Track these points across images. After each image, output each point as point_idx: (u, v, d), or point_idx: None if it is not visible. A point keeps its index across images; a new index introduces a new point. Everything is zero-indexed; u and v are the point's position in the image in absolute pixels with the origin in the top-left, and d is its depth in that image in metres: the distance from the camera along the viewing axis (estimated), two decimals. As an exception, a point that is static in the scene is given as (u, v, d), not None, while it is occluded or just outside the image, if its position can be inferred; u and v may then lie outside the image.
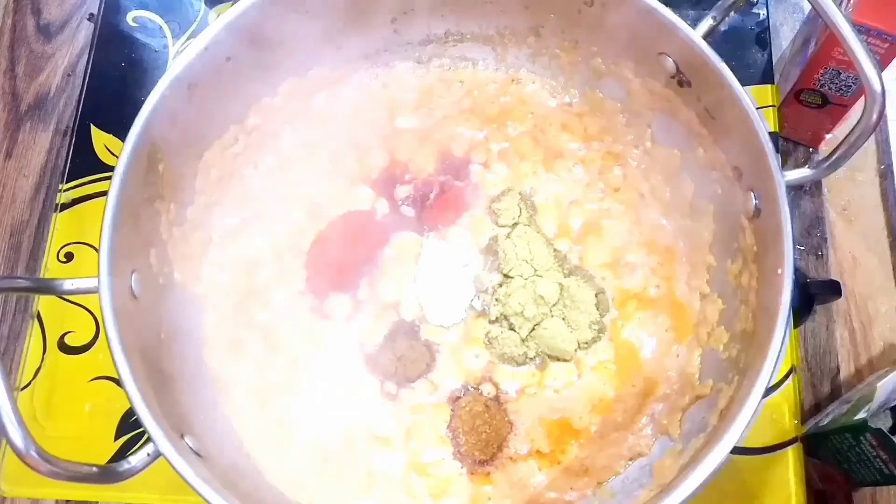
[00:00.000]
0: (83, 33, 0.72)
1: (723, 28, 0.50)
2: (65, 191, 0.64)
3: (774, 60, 0.65)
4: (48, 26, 0.72)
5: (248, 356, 0.56)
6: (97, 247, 0.45)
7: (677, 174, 0.57)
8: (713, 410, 0.48)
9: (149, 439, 0.42)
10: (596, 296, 0.56)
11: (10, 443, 0.38)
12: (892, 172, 0.62)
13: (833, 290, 0.58)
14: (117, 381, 0.43)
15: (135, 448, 0.56)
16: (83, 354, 0.59)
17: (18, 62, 0.71)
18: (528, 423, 0.54)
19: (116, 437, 0.57)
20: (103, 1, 0.71)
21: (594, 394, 0.54)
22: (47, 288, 0.50)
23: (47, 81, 0.71)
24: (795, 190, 0.61)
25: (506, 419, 0.54)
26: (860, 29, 0.49)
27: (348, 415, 0.54)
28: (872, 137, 0.62)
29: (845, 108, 0.59)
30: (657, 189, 0.58)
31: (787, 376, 0.56)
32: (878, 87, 0.42)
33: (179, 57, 0.51)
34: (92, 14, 0.72)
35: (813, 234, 0.62)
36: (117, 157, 0.48)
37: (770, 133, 0.48)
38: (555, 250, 0.57)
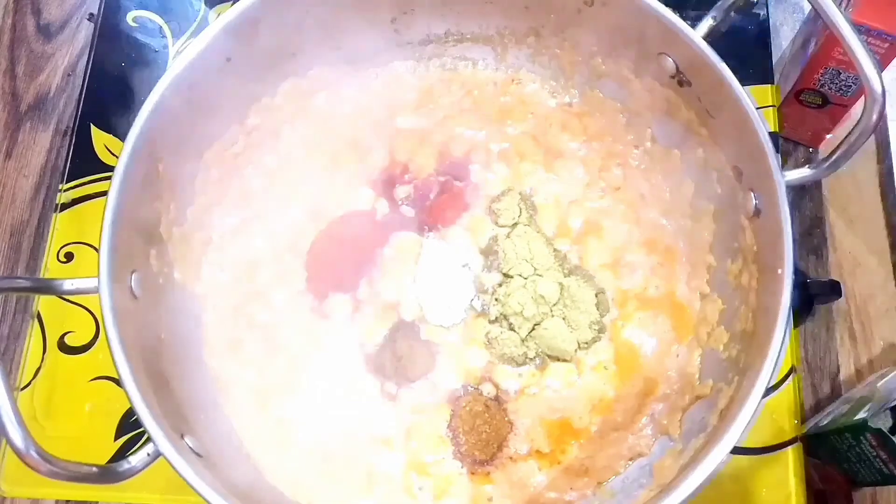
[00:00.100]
0: (83, 33, 0.72)
1: (723, 28, 0.50)
2: (65, 191, 0.64)
3: (774, 60, 0.65)
4: (48, 26, 0.73)
5: (248, 356, 0.56)
6: (97, 247, 0.45)
7: (677, 174, 0.57)
8: (713, 410, 0.48)
9: (149, 439, 0.42)
10: (596, 296, 0.56)
11: (10, 443, 0.38)
12: (893, 172, 0.62)
13: (833, 290, 0.58)
14: (117, 381, 0.43)
15: (135, 448, 0.56)
16: (83, 354, 0.59)
17: (18, 62, 0.71)
18: (528, 423, 0.54)
19: (116, 437, 0.57)
20: (103, 1, 0.71)
21: (594, 394, 0.54)
22: (47, 288, 0.50)
23: (47, 81, 0.71)
24: (795, 190, 0.61)
25: (506, 419, 0.54)
26: (860, 29, 0.49)
27: (348, 415, 0.54)
28: (872, 137, 0.62)
29: (845, 108, 0.59)
30: (657, 189, 0.58)
31: (787, 376, 0.56)
32: (878, 87, 0.42)
33: (179, 57, 0.51)
34: (92, 14, 0.72)
35: (813, 234, 0.62)
36: (117, 157, 0.48)
37: (770, 133, 0.48)
38: (555, 250, 0.57)
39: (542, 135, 0.61)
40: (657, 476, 0.50)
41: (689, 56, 0.50)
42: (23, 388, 0.58)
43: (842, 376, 0.58)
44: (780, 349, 0.43)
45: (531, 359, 0.55)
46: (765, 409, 0.55)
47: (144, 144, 0.49)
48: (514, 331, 0.55)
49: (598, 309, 0.56)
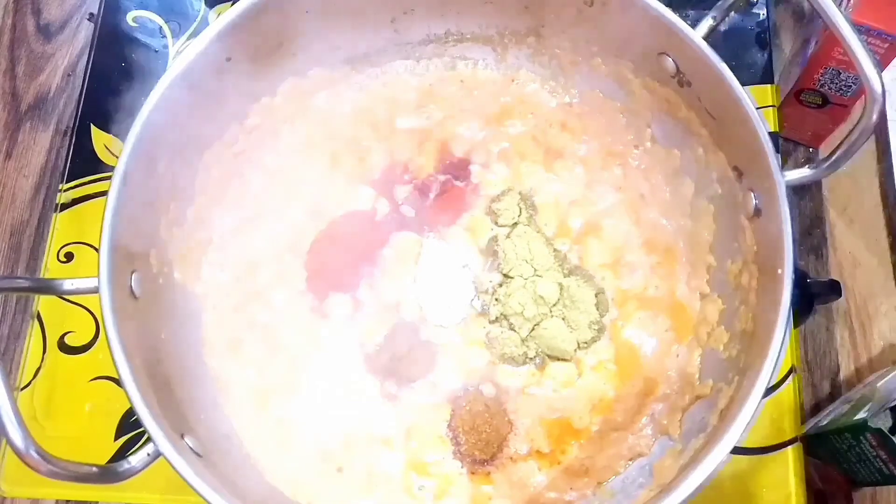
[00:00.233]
0: (83, 33, 0.72)
1: (723, 28, 0.50)
2: (65, 191, 0.64)
3: (774, 60, 0.65)
4: (48, 26, 0.72)
5: (248, 356, 0.56)
6: (97, 247, 0.45)
7: (677, 174, 0.57)
8: (713, 410, 0.48)
9: (149, 439, 0.42)
10: (596, 296, 0.56)
11: (10, 443, 0.38)
12: (893, 172, 0.62)
13: (833, 290, 0.58)
14: (117, 381, 0.43)
15: (135, 448, 0.56)
16: (83, 354, 0.59)
17: (18, 62, 0.71)
18: (528, 422, 0.54)
19: (116, 437, 0.57)
20: (103, 1, 0.71)
21: (594, 394, 0.54)
22: (47, 288, 0.50)
23: (47, 81, 0.71)
24: (795, 190, 0.61)
25: (506, 419, 0.54)
26: (860, 29, 0.49)
27: (348, 415, 0.54)
28: (872, 137, 0.62)
29: (845, 108, 0.59)
30: (657, 189, 0.58)
31: (787, 376, 0.56)
32: (878, 87, 0.42)
33: (179, 57, 0.51)
34: (92, 14, 0.72)
35: (813, 234, 0.62)
36: (117, 157, 0.48)
37: (770, 133, 0.48)
38: (555, 250, 0.57)
39: (542, 135, 0.61)
40: (657, 476, 0.50)
41: (689, 56, 0.50)
42: (23, 388, 0.58)
43: (842, 376, 0.58)
44: (780, 349, 0.43)
45: (531, 359, 0.55)
46: (765, 409, 0.55)
47: (144, 144, 0.49)
48: (515, 331, 0.55)
49: (597, 309, 0.56)
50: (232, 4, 0.52)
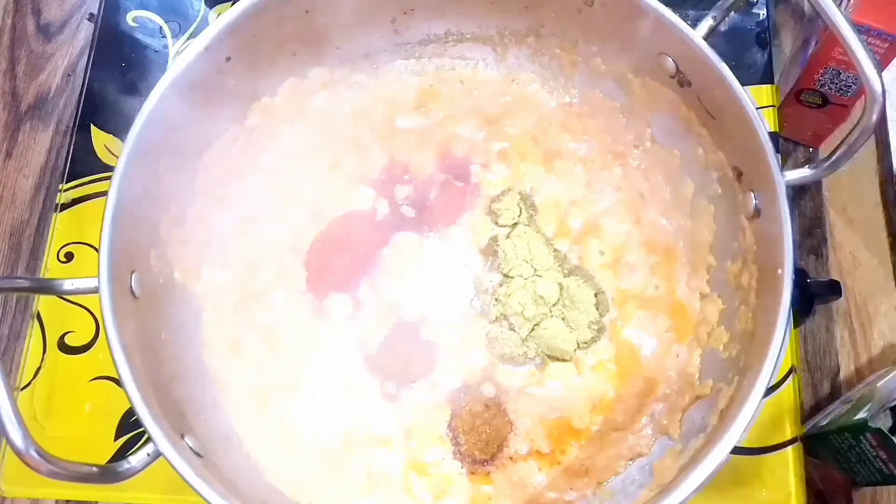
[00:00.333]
0: (83, 33, 0.72)
1: (723, 28, 0.50)
2: (65, 191, 0.64)
3: (774, 60, 0.65)
4: (48, 26, 0.72)
5: (248, 356, 0.56)
6: (97, 247, 0.45)
7: (677, 174, 0.57)
8: (713, 410, 0.48)
9: (149, 439, 0.42)
10: (595, 296, 0.56)
11: (10, 443, 0.38)
12: (893, 172, 0.62)
13: (833, 290, 0.58)
14: (117, 381, 0.43)
15: (135, 448, 0.56)
16: (83, 354, 0.59)
17: (18, 62, 0.71)
18: (528, 422, 0.54)
19: (116, 437, 0.57)
20: (103, 1, 0.71)
21: (594, 394, 0.54)
22: (47, 288, 0.50)
23: (47, 81, 0.71)
24: (795, 190, 0.61)
25: (506, 419, 0.54)
26: (860, 29, 0.49)
27: (348, 415, 0.54)
28: (872, 137, 0.62)
29: (845, 108, 0.59)
30: (657, 189, 0.58)
31: (787, 376, 0.56)
32: (878, 87, 0.42)
33: (179, 57, 0.51)
34: (92, 14, 0.72)
35: (813, 234, 0.62)
36: (117, 157, 0.48)
37: (770, 133, 0.48)
38: (555, 250, 0.57)
39: (542, 135, 0.61)
40: (657, 476, 0.50)
41: (689, 56, 0.50)
42: (23, 388, 0.58)
43: (842, 376, 0.58)
44: (780, 349, 0.43)
45: (531, 359, 0.55)
46: (765, 409, 0.55)
47: (144, 144, 0.49)
48: (514, 331, 0.55)
49: (597, 309, 0.56)
50: (232, 4, 0.52)
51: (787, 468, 0.54)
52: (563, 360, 0.55)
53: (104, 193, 0.48)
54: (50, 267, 0.62)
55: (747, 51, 0.65)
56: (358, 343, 0.56)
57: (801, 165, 0.47)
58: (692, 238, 0.56)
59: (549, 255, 0.57)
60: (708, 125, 0.52)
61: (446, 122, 0.62)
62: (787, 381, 0.56)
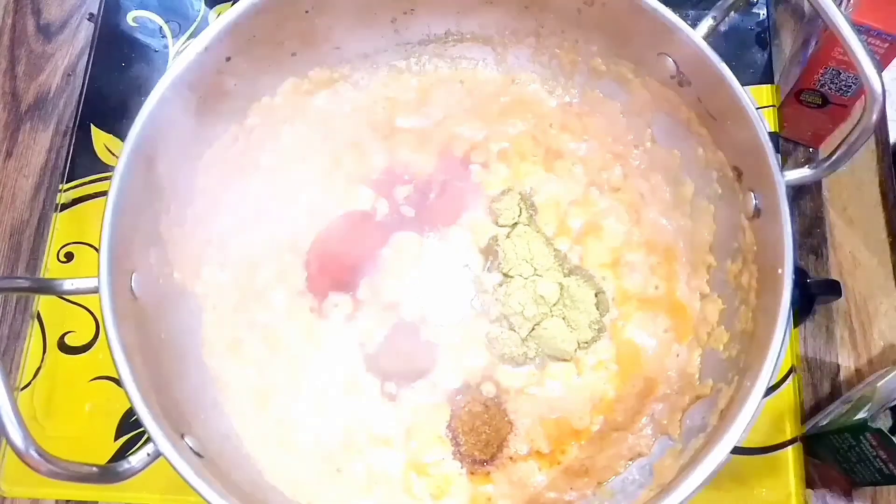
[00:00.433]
0: (83, 33, 0.72)
1: (723, 28, 0.50)
2: (65, 191, 0.64)
3: (774, 60, 0.65)
4: (48, 26, 0.72)
5: (248, 356, 0.56)
6: (97, 247, 0.45)
7: (677, 174, 0.57)
8: (713, 410, 0.48)
9: (149, 439, 0.42)
10: (596, 295, 0.56)
11: (10, 443, 0.38)
12: (892, 172, 0.62)
13: (833, 290, 0.58)
14: (117, 381, 0.43)
15: (135, 448, 0.56)
16: (83, 354, 0.59)
17: (18, 62, 0.71)
18: (528, 423, 0.54)
19: (116, 437, 0.57)
20: (103, 1, 0.71)
21: (594, 394, 0.54)
22: (47, 288, 0.50)
23: (47, 81, 0.71)
24: (795, 190, 0.61)
25: (506, 419, 0.54)
26: (860, 29, 0.49)
27: (348, 415, 0.54)
28: (872, 137, 0.62)
29: (845, 108, 0.59)
30: (657, 189, 0.58)
31: (787, 376, 0.56)
32: (878, 87, 0.42)
33: (179, 57, 0.51)
34: (92, 14, 0.72)
35: (813, 234, 0.62)
36: (117, 157, 0.48)
37: (770, 133, 0.48)
38: (555, 250, 0.57)
39: (542, 135, 0.61)
40: (657, 476, 0.50)
41: (689, 56, 0.50)
42: (23, 388, 0.58)
43: (842, 376, 0.58)
44: (780, 349, 0.43)
45: (531, 358, 0.55)
46: (765, 409, 0.55)
47: (144, 144, 0.49)
48: (514, 331, 0.55)
49: (597, 309, 0.56)
50: (232, 4, 0.52)
51: (787, 468, 0.54)
52: (564, 360, 0.55)
53: (104, 193, 0.48)
54: (50, 267, 0.62)
55: (747, 51, 0.65)
56: (358, 343, 0.56)
57: (801, 165, 0.47)
58: (692, 238, 0.56)
59: (550, 255, 0.57)
60: (708, 125, 0.52)
61: (446, 122, 0.62)
62: (787, 381, 0.56)
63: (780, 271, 0.44)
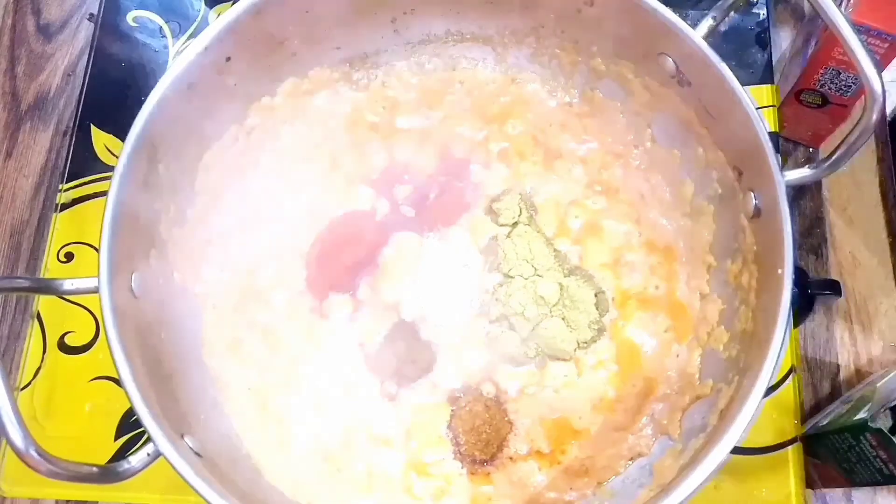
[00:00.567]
0: (83, 33, 0.72)
1: (723, 28, 0.50)
2: (65, 191, 0.64)
3: (774, 60, 0.65)
4: (48, 26, 0.72)
5: (248, 356, 0.56)
6: (97, 247, 0.45)
7: (677, 174, 0.57)
8: (713, 410, 0.48)
9: (149, 439, 0.42)
10: (595, 296, 0.56)
11: (10, 443, 0.38)
12: (892, 172, 0.62)
13: (833, 290, 0.58)
14: (117, 381, 0.43)
15: (135, 448, 0.56)
16: (83, 354, 0.59)
17: (18, 62, 0.71)
18: (528, 422, 0.54)
19: (116, 437, 0.57)
20: (103, 1, 0.71)
21: (594, 394, 0.54)
22: (47, 288, 0.50)
23: (47, 81, 0.71)
24: (795, 190, 0.61)
25: (506, 419, 0.54)
26: (860, 29, 0.49)
27: (348, 415, 0.54)
28: (872, 137, 0.62)
29: (845, 108, 0.59)
30: (657, 189, 0.58)
31: (787, 376, 0.56)
32: (878, 87, 0.42)
33: (179, 57, 0.51)
34: (92, 14, 0.72)
35: (813, 234, 0.62)
36: (117, 157, 0.48)
37: (770, 133, 0.48)
38: (555, 250, 0.57)
39: (542, 135, 0.61)
40: (657, 476, 0.50)
41: (689, 56, 0.50)
42: (23, 388, 0.58)
43: (842, 376, 0.58)
44: (780, 349, 0.43)
45: (531, 358, 0.55)
46: (765, 409, 0.55)
47: (144, 144, 0.49)
48: (515, 331, 0.55)
49: (597, 309, 0.56)
50: (232, 4, 0.52)
51: (787, 468, 0.54)
52: (564, 360, 0.55)
53: (104, 193, 0.48)
54: (50, 267, 0.62)
55: (747, 51, 0.65)
56: (358, 343, 0.56)
57: (801, 165, 0.47)
58: (692, 238, 0.56)
59: (550, 255, 0.57)
60: (708, 125, 0.52)
61: (446, 122, 0.62)
62: (787, 381, 0.56)
63: (780, 271, 0.44)
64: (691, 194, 0.56)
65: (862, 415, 0.48)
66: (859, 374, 0.58)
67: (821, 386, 0.58)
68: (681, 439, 0.51)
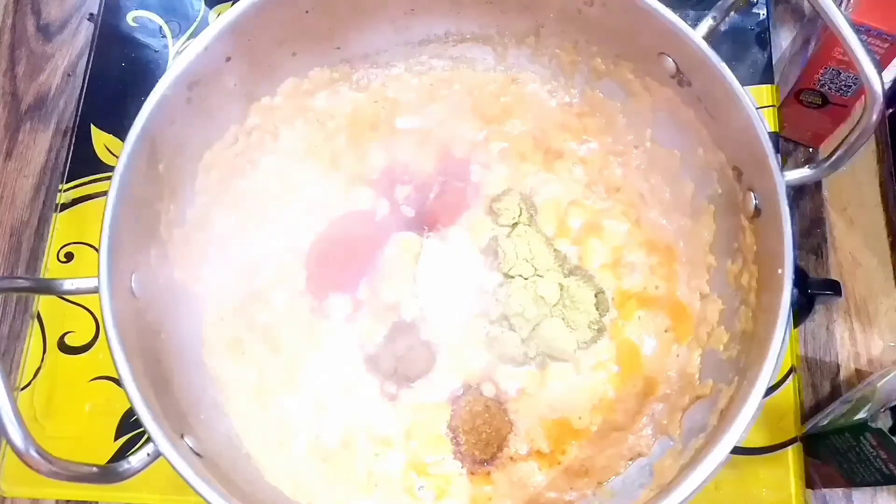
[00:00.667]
0: (83, 33, 0.72)
1: (723, 28, 0.50)
2: (65, 191, 0.64)
3: (774, 60, 0.65)
4: (48, 26, 0.73)
5: (248, 356, 0.56)
6: (97, 247, 0.45)
7: (677, 174, 0.57)
8: (713, 410, 0.48)
9: (149, 439, 0.42)
10: (595, 296, 0.56)
11: (10, 443, 0.38)
12: (892, 172, 0.62)
13: (833, 290, 0.58)
14: (117, 381, 0.43)
15: (135, 448, 0.56)
16: (83, 354, 0.59)
17: (18, 62, 0.71)
18: (528, 423, 0.54)
19: (116, 437, 0.57)
20: (103, 1, 0.71)
21: (594, 394, 0.54)
22: (47, 288, 0.50)
23: (47, 81, 0.71)
24: (795, 190, 0.61)
25: (506, 419, 0.54)
26: (860, 29, 0.49)
27: (348, 415, 0.54)
28: (872, 137, 0.62)
29: (845, 108, 0.59)
30: (657, 189, 0.58)
31: (787, 376, 0.56)
32: (878, 87, 0.42)
33: (179, 57, 0.51)
34: (92, 14, 0.72)
35: (813, 234, 0.62)
36: (117, 157, 0.48)
37: (770, 133, 0.48)
38: (555, 250, 0.57)
39: (542, 135, 0.61)
40: (657, 476, 0.50)
41: (689, 56, 0.50)
42: (23, 388, 0.58)
43: (842, 376, 0.58)
44: (780, 349, 0.43)
45: (531, 358, 0.55)
46: (765, 409, 0.55)
47: (144, 144, 0.49)
48: (515, 331, 0.55)
49: (597, 309, 0.56)
50: (232, 4, 0.52)
51: (787, 468, 0.54)
52: (564, 361, 0.55)
53: (104, 193, 0.48)
54: (50, 267, 0.62)
55: (747, 51, 0.65)
56: (358, 343, 0.56)
57: (801, 165, 0.47)
58: (692, 238, 0.56)
59: (550, 255, 0.57)
60: (708, 125, 0.52)
61: (446, 123, 0.62)
62: (787, 381, 0.56)
63: (780, 271, 0.44)
64: (691, 194, 0.56)
65: (862, 415, 0.48)
66: (859, 374, 0.58)
67: (821, 386, 0.58)
68: (681, 439, 0.51)
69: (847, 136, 0.45)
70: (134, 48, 0.69)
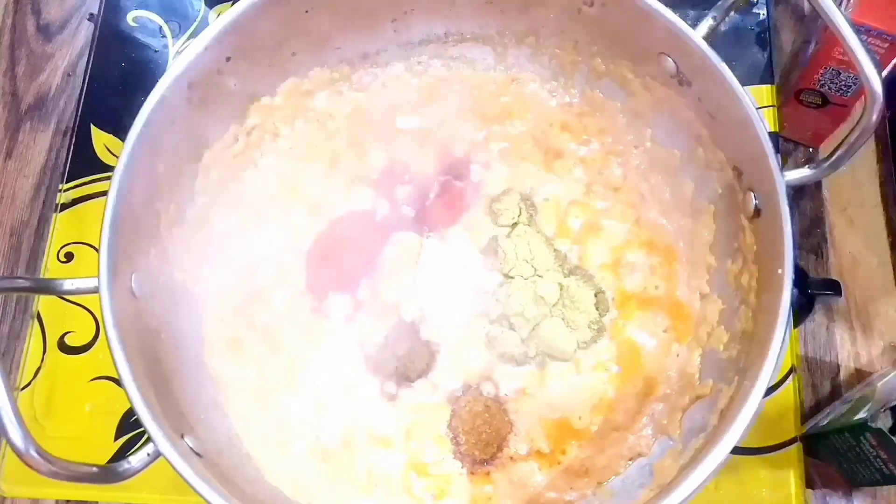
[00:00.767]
0: (83, 33, 0.72)
1: (723, 28, 0.50)
2: (65, 191, 0.64)
3: (774, 60, 0.65)
4: (48, 26, 0.73)
5: (248, 356, 0.56)
6: (97, 247, 0.45)
7: (677, 174, 0.57)
8: (713, 410, 0.48)
9: (149, 439, 0.42)
10: (595, 296, 0.56)
11: (10, 443, 0.38)
12: (892, 172, 0.62)
13: (833, 290, 0.58)
14: (117, 381, 0.43)
15: (135, 448, 0.56)
16: (83, 354, 0.59)
17: (18, 62, 0.71)
18: (528, 423, 0.54)
19: (116, 437, 0.57)
20: (103, 1, 0.71)
21: (594, 394, 0.54)
22: (47, 288, 0.50)
23: (47, 81, 0.71)
24: (795, 190, 0.61)
25: (506, 419, 0.54)
26: (860, 29, 0.49)
27: (348, 415, 0.54)
28: (872, 137, 0.62)
29: (845, 108, 0.59)
30: (657, 189, 0.58)
31: (787, 376, 0.56)
32: (878, 87, 0.42)
33: (179, 57, 0.51)
34: (92, 14, 0.72)
35: (813, 234, 0.62)
36: (117, 157, 0.48)
37: (770, 133, 0.48)
38: (555, 250, 0.57)
39: (542, 135, 0.61)
40: (657, 476, 0.50)
41: (689, 56, 0.50)
42: (23, 388, 0.58)
43: (842, 376, 0.58)
44: (780, 349, 0.43)
45: (531, 358, 0.55)
46: (765, 409, 0.55)
47: (144, 144, 0.49)
48: (514, 331, 0.55)
49: (597, 309, 0.56)
50: (232, 4, 0.52)
51: (787, 468, 0.54)
52: (564, 360, 0.55)
53: (104, 193, 0.48)
54: (50, 267, 0.62)
55: (747, 51, 0.65)
56: (358, 343, 0.56)
57: (801, 165, 0.47)
58: (692, 238, 0.56)
59: (550, 255, 0.57)
60: (708, 125, 0.52)
61: (446, 122, 0.62)
62: (787, 381, 0.56)
63: (780, 271, 0.44)
64: (691, 194, 0.56)
65: (862, 415, 0.48)
66: (859, 374, 0.58)
67: (821, 386, 0.58)
68: (681, 439, 0.51)
69: (847, 136, 0.45)
70: (134, 48, 0.69)
